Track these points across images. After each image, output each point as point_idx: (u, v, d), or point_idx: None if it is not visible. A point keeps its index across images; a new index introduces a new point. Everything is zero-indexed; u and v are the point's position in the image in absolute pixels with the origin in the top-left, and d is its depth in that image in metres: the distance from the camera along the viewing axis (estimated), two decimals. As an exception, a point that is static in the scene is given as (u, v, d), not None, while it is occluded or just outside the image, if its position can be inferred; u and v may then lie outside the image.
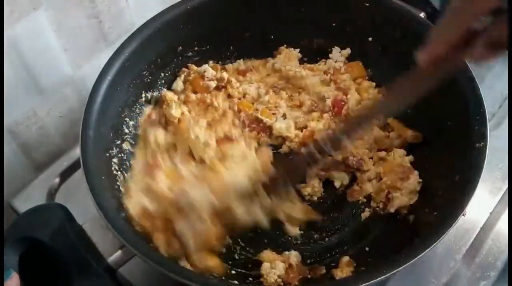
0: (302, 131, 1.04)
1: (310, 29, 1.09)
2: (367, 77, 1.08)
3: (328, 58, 1.10)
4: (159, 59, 1.03)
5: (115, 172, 0.91)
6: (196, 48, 1.08)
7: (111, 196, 0.83)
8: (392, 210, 0.91)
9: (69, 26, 1.02)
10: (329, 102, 1.04)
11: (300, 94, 1.08)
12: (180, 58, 1.07)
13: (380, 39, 1.05)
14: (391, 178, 0.93)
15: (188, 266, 0.82)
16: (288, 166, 0.90)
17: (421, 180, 0.92)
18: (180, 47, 1.05)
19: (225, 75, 1.05)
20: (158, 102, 1.04)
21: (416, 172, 0.93)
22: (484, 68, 1.18)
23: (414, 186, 0.92)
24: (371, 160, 0.99)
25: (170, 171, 0.92)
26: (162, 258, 0.79)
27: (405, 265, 0.73)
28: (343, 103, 1.03)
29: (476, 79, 0.89)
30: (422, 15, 1.03)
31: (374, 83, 1.07)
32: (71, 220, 0.80)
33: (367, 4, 1.02)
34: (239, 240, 0.93)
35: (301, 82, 1.08)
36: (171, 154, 0.96)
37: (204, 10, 1.03)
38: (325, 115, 1.04)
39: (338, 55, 1.10)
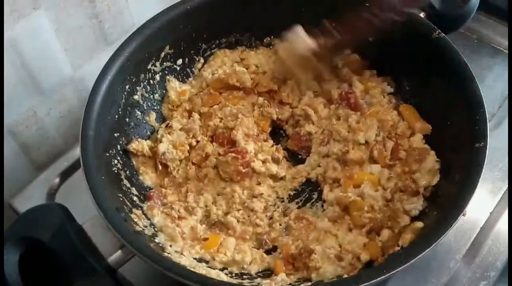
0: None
1: (310, 29, 1.09)
2: (366, 67, 1.08)
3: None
4: (159, 60, 1.03)
5: (115, 172, 0.91)
6: (195, 48, 1.08)
7: (111, 196, 0.83)
8: (421, 189, 0.89)
9: (69, 26, 1.03)
10: (335, 93, 1.04)
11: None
12: (180, 59, 1.07)
13: (380, 39, 1.05)
14: (407, 162, 0.93)
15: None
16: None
17: (438, 159, 0.91)
18: (181, 47, 1.05)
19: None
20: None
21: (432, 152, 0.92)
22: (484, 68, 1.19)
23: (433, 164, 0.91)
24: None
25: None
26: (162, 258, 0.79)
27: (405, 265, 0.73)
28: (350, 94, 1.03)
29: (476, 79, 0.89)
30: (422, 15, 1.02)
31: (375, 71, 1.07)
32: (71, 220, 0.81)
33: (367, 4, 1.02)
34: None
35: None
36: None
37: (204, 10, 1.03)
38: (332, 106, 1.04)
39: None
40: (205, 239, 0.91)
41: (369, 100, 1.03)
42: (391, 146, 0.97)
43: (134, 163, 0.97)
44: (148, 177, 0.98)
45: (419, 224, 0.84)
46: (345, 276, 0.83)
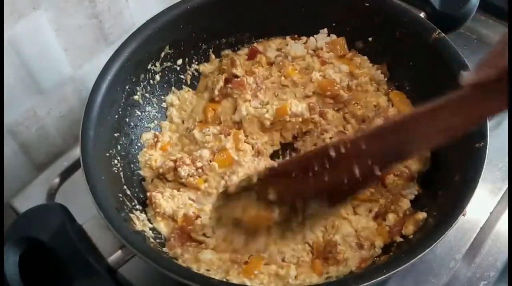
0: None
1: (310, 29, 1.10)
2: (355, 52, 1.08)
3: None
4: (159, 60, 1.03)
5: (115, 172, 0.91)
6: (195, 48, 1.08)
7: (111, 196, 0.83)
8: (415, 175, 0.92)
9: (69, 26, 1.03)
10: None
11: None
12: (180, 59, 1.07)
13: (380, 39, 1.05)
14: None
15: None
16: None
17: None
18: (181, 47, 1.06)
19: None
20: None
21: None
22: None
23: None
24: None
25: None
26: (162, 258, 0.79)
27: (405, 265, 0.73)
28: None
29: (476, 79, 0.89)
30: (422, 15, 1.03)
31: (366, 57, 1.07)
32: (71, 220, 0.81)
33: (367, 4, 1.02)
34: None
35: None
36: None
37: (204, 10, 1.03)
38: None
39: (323, 36, 1.10)
40: (245, 262, 0.85)
41: (354, 87, 1.03)
42: (379, 124, 0.96)
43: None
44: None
45: (421, 215, 0.85)
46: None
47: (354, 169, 0.75)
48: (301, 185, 0.80)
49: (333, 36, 1.09)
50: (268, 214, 0.83)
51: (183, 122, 1.06)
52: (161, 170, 0.95)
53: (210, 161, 0.96)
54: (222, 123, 1.03)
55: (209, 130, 1.00)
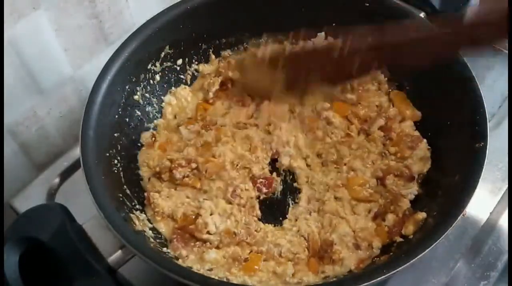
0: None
1: (310, 29, 1.09)
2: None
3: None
4: (159, 60, 1.03)
5: (115, 172, 0.91)
6: (195, 48, 1.08)
7: (111, 196, 0.83)
8: (415, 175, 0.92)
9: (69, 26, 1.03)
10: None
11: None
12: (180, 59, 1.07)
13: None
14: (400, 148, 0.95)
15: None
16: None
17: (430, 147, 0.94)
18: (181, 47, 1.06)
19: None
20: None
21: (424, 140, 0.95)
22: (484, 68, 1.19)
23: (424, 152, 0.93)
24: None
25: None
26: (162, 258, 0.79)
27: (405, 265, 0.73)
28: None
29: (476, 79, 0.89)
30: (422, 15, 1.03)
31: None
32: (71, 220, 0.81)
33: (367, 4, 1.03)
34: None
35: None
36: None
37: (204, 10, 1.03)
38: None
39: (321, 39, 1.09)
40: (245, 260, 0.86)
41: (356, 87, 1.04)
42: (381, 124, 0.99)
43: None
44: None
45: (421, 215, 0.85)
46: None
47: (356, 57, 0.86)
48: (310, 61, 0.93)
49: (331, 39, 1.09)
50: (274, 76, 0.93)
51: (175, 117, 1.06)
52: (157, 169, 0.95)
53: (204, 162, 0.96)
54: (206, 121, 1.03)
55: (193, 126, 1.00)
